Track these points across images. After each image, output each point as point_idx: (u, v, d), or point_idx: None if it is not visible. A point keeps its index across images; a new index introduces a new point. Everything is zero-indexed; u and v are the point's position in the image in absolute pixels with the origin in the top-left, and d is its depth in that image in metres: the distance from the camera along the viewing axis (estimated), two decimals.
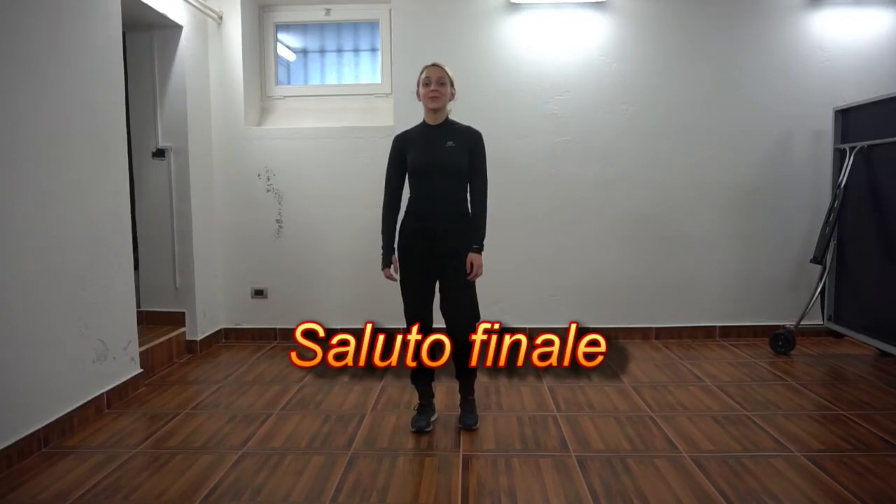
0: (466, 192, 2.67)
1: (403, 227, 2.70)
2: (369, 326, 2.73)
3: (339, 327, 4.20)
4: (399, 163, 2.70)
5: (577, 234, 4.14)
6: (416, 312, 2.68)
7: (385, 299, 4.17)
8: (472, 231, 2.64)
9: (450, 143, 2.60)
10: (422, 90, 2.63)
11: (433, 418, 2.75)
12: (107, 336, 2.94)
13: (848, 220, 3.76)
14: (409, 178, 2.69)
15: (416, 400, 2.80)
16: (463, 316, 2.66)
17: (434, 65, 2.64)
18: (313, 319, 4.17)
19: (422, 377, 2.75)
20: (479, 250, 2.62)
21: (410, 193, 2.69)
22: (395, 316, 4.13)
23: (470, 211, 2.66)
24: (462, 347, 2.65)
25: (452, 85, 2.66)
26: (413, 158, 2.63)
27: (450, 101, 2.67)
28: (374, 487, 2.18)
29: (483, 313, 2.73)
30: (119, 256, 3.05)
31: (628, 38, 4.05)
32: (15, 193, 2.38)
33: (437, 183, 2.61)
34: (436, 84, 2.59)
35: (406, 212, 2.71)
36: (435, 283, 2.69)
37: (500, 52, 4.06)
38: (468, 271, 2.59)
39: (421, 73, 2.65)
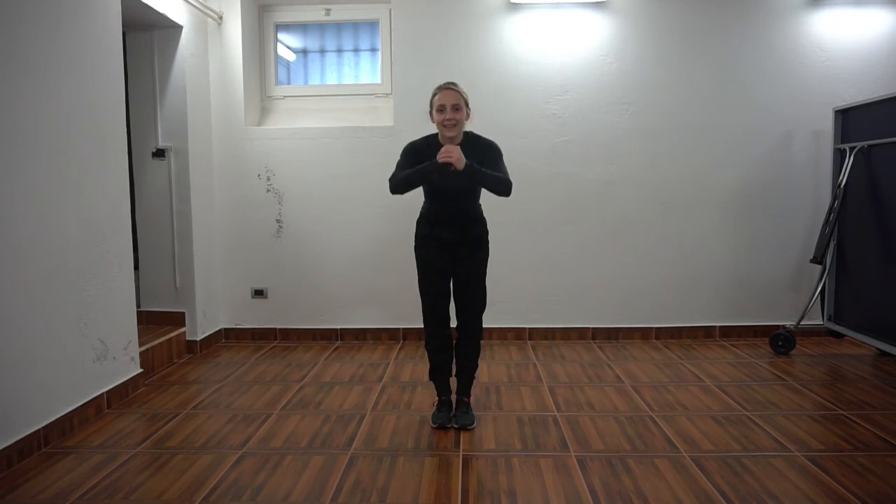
0: (479, 199, 2.70)
1: (419, 228, 2.72)
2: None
3: (339, 327, 4.24)
4: (410, 166, 2.60)
5: (577, 234, 4.14)
6: (435, 310, 2.72)
7: (386, 299, 4.19)
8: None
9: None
10: (436, 116, 2.56)
11: (452, 414, 2.76)
12: (107, 336, 2.94)
13: (848, 220, 3.76)
14: (424, 188, 2.68)
15: (434, 396, 2.85)
16: (474, 315, 2.72)
17: (447, 88, 2.56)
18: (314, 319, 4.20)
19: (440, 373, 2.78)
20: (471, 165, 2.46)
21: (425, 196, 2.71)
22: (395, 315, 4.17)
23: (482, 212, 2.71)
24: (467, 344, 2.73)
25: (467, 105, 2.59)
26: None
27: (466, 119, 2.61)
28: (374, 487, 2.18)
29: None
30: (119, 256, 3.05)
31: (628, 38, 4.05)
32: (15, 193, 2.38)
33: (452, 199, 2.64)
34: (451, 111, 2.52)
35: (421, 213, 2.74)
36: (451, 280, 2.71)
37: (500, 52, 4.06)
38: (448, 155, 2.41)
39: (434, 95, 2.58)
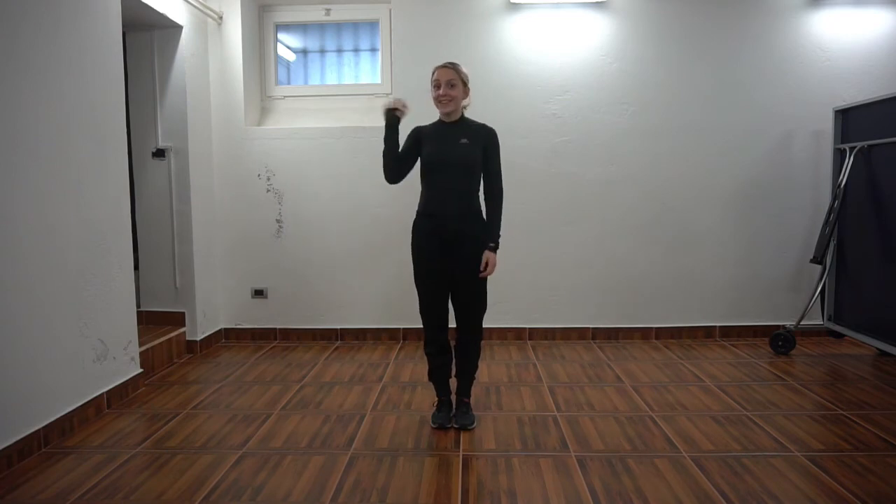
0: (478, 190, 2.68)
1: (416, 227, 2.70)
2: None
3: (339, 327, 4.24)
4: (411, 145, 2.70)
5: (577, 234, 4.14)
6: (433, 310, 2.71)
7: (386, 299, 4.19)
8: (488, 229, 2.65)
9: (463, 140, 2.61)
10: (432, 92, 2.63)
11: (452, 414, 2.76)
12: (107, 336, 2.94)
13: (848, 220, 3.77)
14: (422, 175, 2.69)
15: (434, 396, 2.85)
16: (474, 315, 2.70)
17: (444, 66, 2.62)
18: (314, 319, 4.21)
19: (440, 374, 2.77)
20: (494, 249, 2.65)
21: (423, 191, 2.70)
22: (395, 315, 4.16)
23: (481, 209, 2.69)
24: (467, 344, 2.73)
25: (465, 84, 2.65)
26: (427, 153, 2.64)
27: (464, 99, 2.66)
28: (374, 487, 2.18)
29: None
30: (119, 256, 3.05)
31: (628, 38, 4.05)
32: (15, 193, 2.38)
33: (450, 179, 2.62)
34: (445, 87, 2.59)
35: (418, 212, 2.71)
36: (449, 280, 2.68)
37: (500, 52, 4.06)
38: (482, 269, 2.62)
39: (433, 73, 2.64)
